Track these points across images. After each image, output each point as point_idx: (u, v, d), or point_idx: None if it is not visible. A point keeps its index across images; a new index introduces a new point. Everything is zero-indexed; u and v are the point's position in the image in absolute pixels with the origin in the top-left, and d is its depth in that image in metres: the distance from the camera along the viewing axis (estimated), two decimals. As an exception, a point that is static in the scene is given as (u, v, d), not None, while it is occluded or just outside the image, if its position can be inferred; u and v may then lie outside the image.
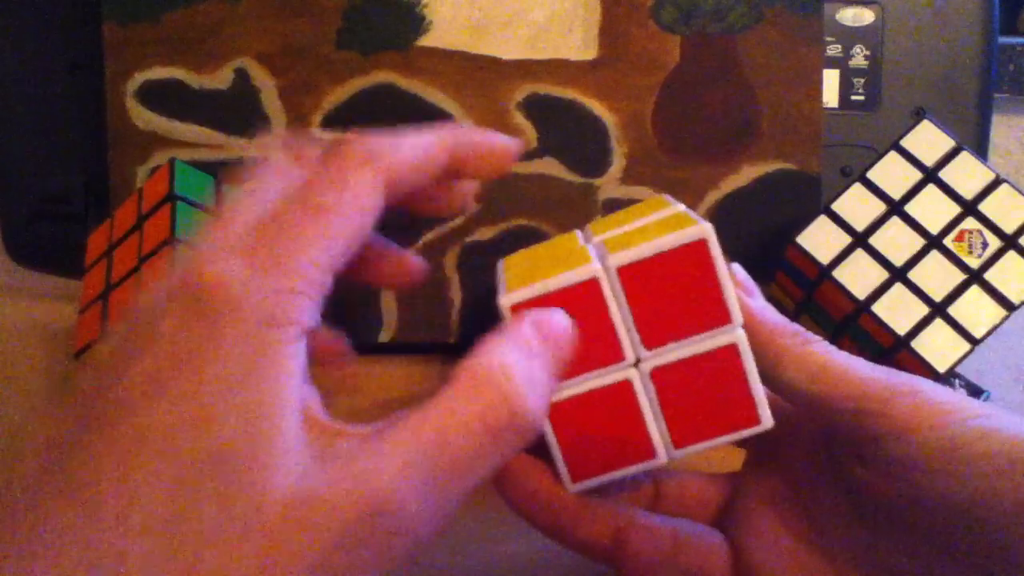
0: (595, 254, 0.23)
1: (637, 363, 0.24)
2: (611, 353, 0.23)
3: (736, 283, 0.26)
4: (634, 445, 0.24)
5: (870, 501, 0.24)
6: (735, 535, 0.28)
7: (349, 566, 0.17)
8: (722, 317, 0.23)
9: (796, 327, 0.25)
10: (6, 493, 0.18)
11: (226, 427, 0.17)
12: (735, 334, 0.23)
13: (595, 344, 0.23)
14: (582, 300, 0.23)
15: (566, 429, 0.24)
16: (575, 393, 0.24)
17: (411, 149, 0.22)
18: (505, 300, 0.23)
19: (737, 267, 0.27)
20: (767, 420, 0.24)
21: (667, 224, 0.23)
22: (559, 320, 0.23)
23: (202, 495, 0.16)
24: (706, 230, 0.22)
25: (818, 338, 0.25)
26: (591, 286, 0.22)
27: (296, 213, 0.20)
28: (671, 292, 0.23)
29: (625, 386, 0.24)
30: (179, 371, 0.17)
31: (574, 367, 0.23)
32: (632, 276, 0.23)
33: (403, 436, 0.19)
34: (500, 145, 0.25)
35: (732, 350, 0.23)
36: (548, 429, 0.24)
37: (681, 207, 0.25)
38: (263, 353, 0.18)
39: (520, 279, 0.24)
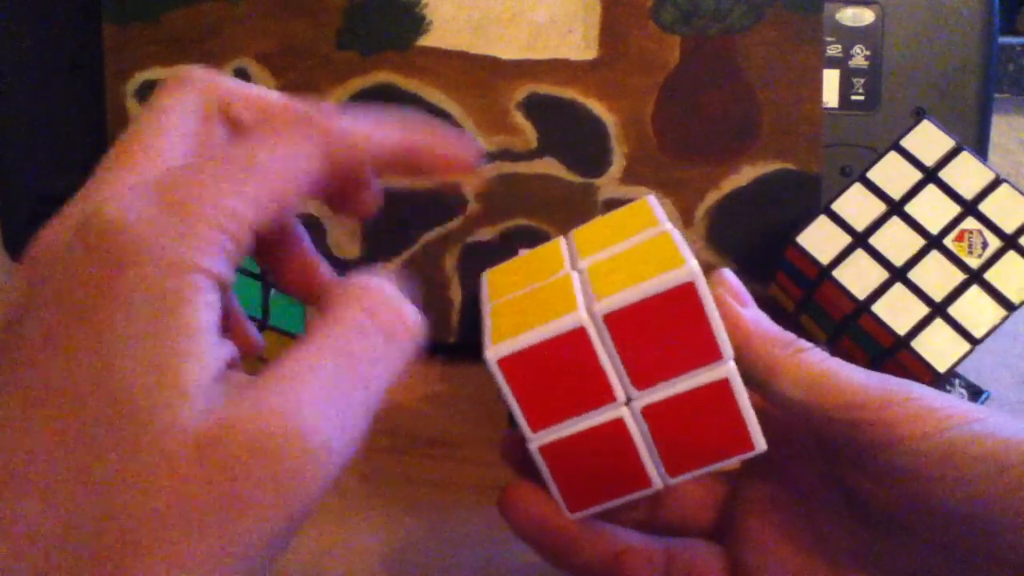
0: (580, 295, 0.23)
1: (629, 401, 0.24)
2: (602, 394, 0.23)
3: (728, 290, 0.25)
4: (629, 475, 0.24)
5: (868, 506, 0.24)
6: (733, 544, 0.28)
7: (266, 497, 0.16)
8: (712, 354, 0.23)
9: (789, 336, 0.25)
10: None
11: (128, 378, 0.16)
12: (726, 368, 0.23)
13: (585, 386, 0.23)
14: (570, 347, 0.22)
15: (561, 465, 0.24)
16: (569, 433, 0.24)
17: (365, 123, 0.21)
18: (491, 354, 0.23)
19: (728, 274, 0.26)
20: (760, 445, 0.24)
21: (653, 258, 0.23)
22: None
23: (105, 447, 0.16)
24: (694, 272, 0.22)
25: (811, 345, 0.25)
26: (578, 334, 0.22)
27: (221, 162, 0.19)
28: (660, 333, 0.22)
29: (618, 424, 0.24)
30: (79, 322, 0.17)
31: (566, 408, 0.23)
32: (619, 321, 0.22)
33: (304, 358, 0.18)
34: (461, 149, 0.23)
35: (723, 384, 0.23)
36: (543, 465, 0.25)
37: (666, 225, 0.24)
38: (169, 301, 0.17)
39: (503, 296, 0.24)
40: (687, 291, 0.22)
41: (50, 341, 0.17)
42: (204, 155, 0.20)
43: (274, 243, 0.23)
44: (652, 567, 0.27)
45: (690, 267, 0.22)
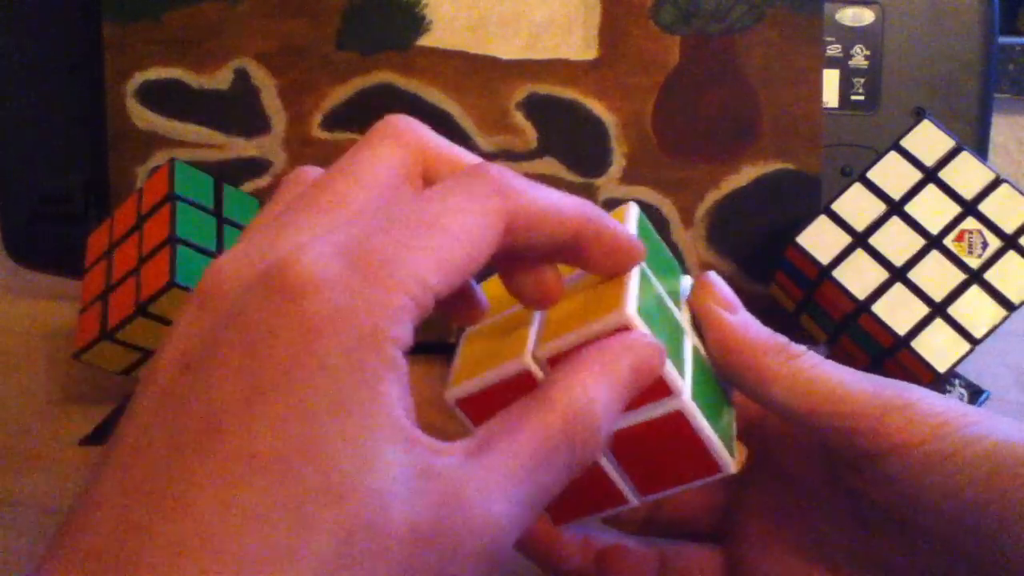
0: (532, 336, 0.23)
1: None
2: None
3: (714, 297, 0.25)
4: (605, 494, 0.25)
5: (868, 508, 0.24)
6: (732, 546, 0.28)
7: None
8: (662, 390, 0.22)
9: (780, 340, 0.25)
10: (86, 510, 0.16)
11: (336, 454, 0.15)
12: (679, 401, 0.22)
13: None
14: (521, 387, 0.22)
15: None
16: None
17: (546, 200, 0.20)
18: (450, 395, 0.23)
19: (714, 278, 0.25)
20: (727, 468, 0.24)
21: (603, 297, 0.22)
22: (654, 356, 0.21)
23: (321, 527, 0.15)
24: (628, 315, 0.21)
25: (803, 350, 0.24)
26: (525, 376, 0.22)
27: (409, 223, 0.18)
28: None
29: None
30: (280, 379, 0.16)
31: None
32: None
33: (502, 459, 0.18)
34: (630, 243, 0.22)
35: (678, 415, 0.23)
36: None
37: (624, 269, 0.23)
38: (369, 373, 0.16)
39: (483, 320, 0.25)
40: (623, 333, 0.21)
41: (250, 403, 0.16)
42: (392, 212, 0.18)
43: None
44: (645, 570, 0.27)
45: (626, 312, 0.21)
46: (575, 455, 0.19)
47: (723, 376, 0.25)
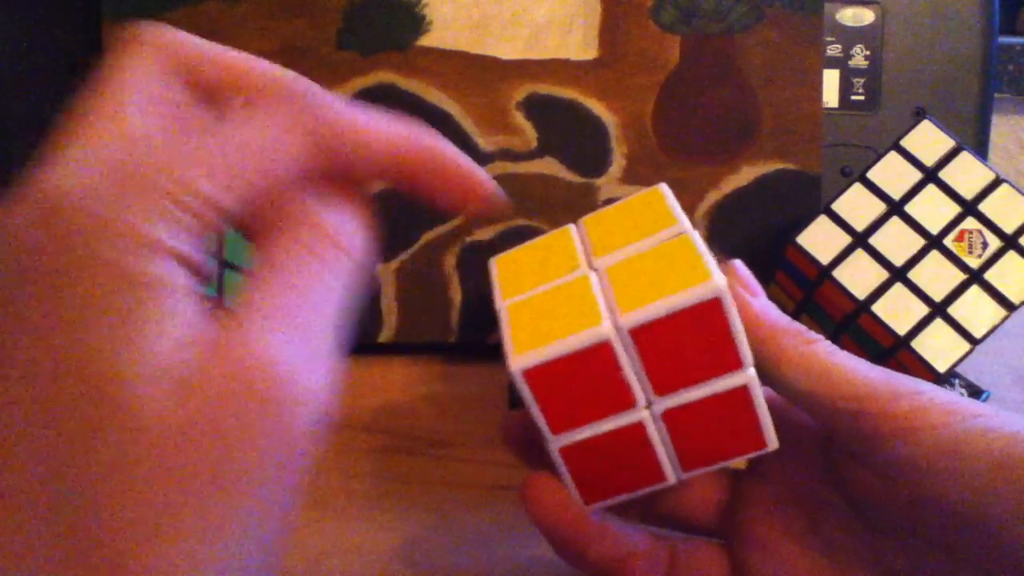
0: (603, 305, 0.23)
1: (649, 405, 0.24)
2: (623, 400, 0.23)
3: (738, 280, 0.26)
4: (645, 471, 0.25)
5: (870, 503, 0.25)
6: (735, 543, 0.28)
7: (256, 449, 0.16)
8: (734, 362, 0.23)
9: (798, 326, 0.25)
10: None
11: (98, 355, 0.15)
12: (746, 375, 0.23)
13: (607, 392, 0.23)
14: (594, 358, 0.22)
15: (579, 462, 0.25)
16: (590, 435, 0.24)
17: (363, 119, 0.19)
18: (516, 365, 0.22)
19: (739, 264, 0.27)
20: (773, 443, 0.24)
21: (676, 267, 0.23)
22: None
23: (82, 432, 0.15)
24: (720, 288, 0.22)
25: (820, 337, 0.25)
26: (603, 347, 0.22)
27: (189, 138, 0.18)
28: (683, 343, 0.23)
29: (638, 426, 0.24)
30: (45, 301, 0.16)
31: (588, 413, 0.24)
32: (644, 333, 0.22)
33: (257, 299, 0.17)
34: (473, 174, 0.21)
35: (743, 390, 0.23)
36: (561, 464, 0.25)
37: (684, 225, 0.24)
38: (131, 277, 0.16)
39: (515, 288, 0.24)
40: (713, 306, 0.22)
41: (19, 321, 0.16)
42: (173, 126, 0.18)
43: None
44: (656, 567, 0.27)
45: (716, 283, 0.22)
46: (332, 265, 0.18)
47: None
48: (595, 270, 0.25)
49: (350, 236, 0.19)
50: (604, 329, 0.22)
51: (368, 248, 0.20)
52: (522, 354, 0.23)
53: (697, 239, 0.24)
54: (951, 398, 0.23)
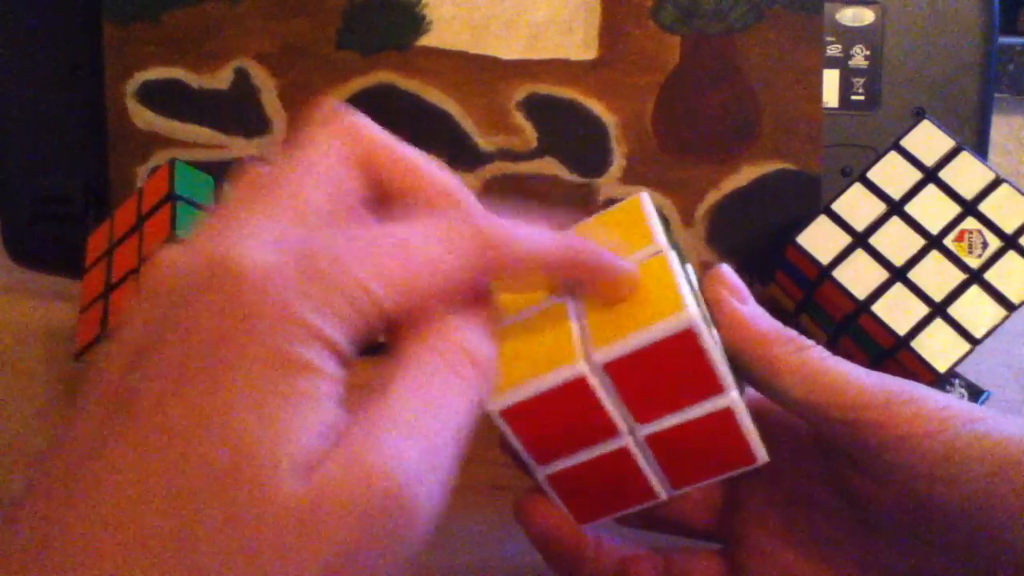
0: (578, 341, 0.22)
1: (632, 431, 0.24)
2: (605, 429, 0.23)
3: (726, 287, 0.25)
4: (634, 490, 0.25)
5: (869, 507, 0.24)
6: (732, 547, 0.28)
7: (368, 558, 0.16)
8: (714, 388, 0.22)
9: (790, 333, 0.25)
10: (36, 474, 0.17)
11: (242, 439, 0.16)
12: (728, 398, 0.23)
13: (589, 424, 0.23)
14: (572, 394, 0.22)
15: (569, 486, 0.25)
16: (575, 463, 0.24)
17: (527, 244, 0.20)
18: (494, 406, 0.22)
19: (727, 271, 0.26)
20: (762, 457, 0.24)
21: (651, 296, 0.22)
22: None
23: (211, 509, 0.16)
24: (692, 320, 0.21)
25: (812, 343, 0.25)
26: (579, 383, 0.22)
27: (372, 240, 0.18)
28: (660, 373, 0.22)
29: (622, 452, 0.24)
30: (205, 368, 0.16)
31: (571, 444, 0.24)
32: (619, 367, 0.22)
33: (393, 406, 0.18)
34: (621, 272, 0.22)
35: (726, 412, 0.23)
36: (551, 490, 0.25)
37: (660, 241, 0.24)
38: (292, 366, 0.17)
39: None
40: (687, 336, 0.21)
41: (178, 389, 0.16)
42: (351, 218, 0.19)
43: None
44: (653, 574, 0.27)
45: (688, 314, 0.21)
46: (467, 383, 0.19)
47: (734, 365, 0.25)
48: (574, 300, 0.24)
49: (486, 355, 0.20)
50: (579, 367, 0.22)
51: (495, 362, 0.21)
52: (499, 394, 0.22)
53: (672, 260, 0.23)
54: (947, 402, 0.23)
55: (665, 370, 0.22)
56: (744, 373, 0.25)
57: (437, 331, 0.19)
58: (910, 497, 0.23)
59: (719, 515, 0.29)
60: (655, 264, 0.23)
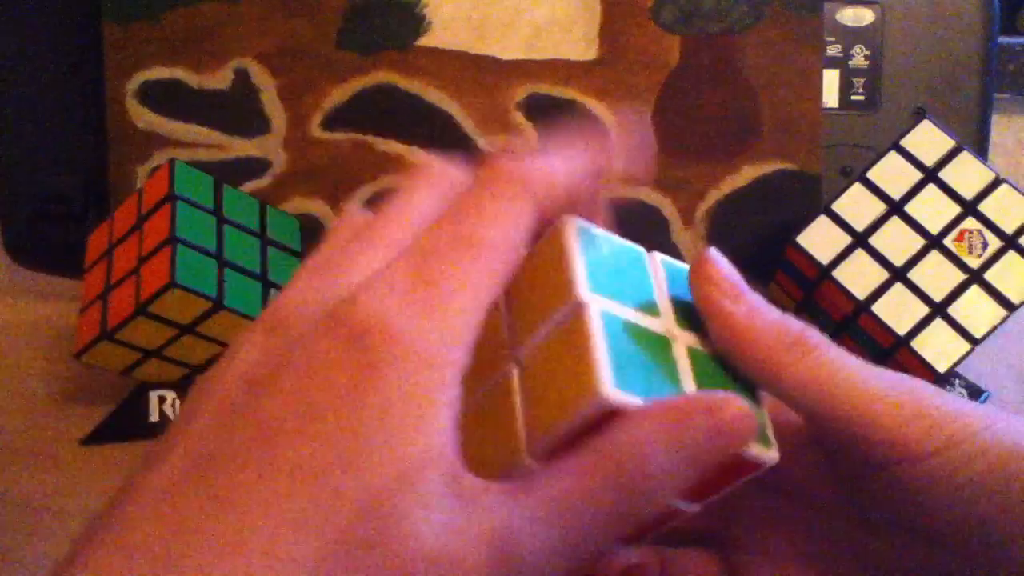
0: (521, 428, 0.20)
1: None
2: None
3: (715, 284, 0.23)
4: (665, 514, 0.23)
5: (873, 512, 0.24)
6: (731, 552, 0.28)
7: None
8: None
9: (793, 329, 0.23)
10: (140, 495, 0.17)
11: (380, 472, 0.16)
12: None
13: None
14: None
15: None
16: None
17: (565, 175, 0.21)
18: None
19: (715, 258, 0.23)
20: (773, 460, 0.22)
21: (569, 369, 0.19)
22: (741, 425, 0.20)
23: (352, 543, 0.16)
24: (607, 400, 0.19)
25: (818, 340, 0.23)
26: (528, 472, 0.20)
27: (450, 246, 0.19)
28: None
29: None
30: (336, 403, 0.17)
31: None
32: (553, 453, 0.20)
33: (535, 490, 0.18)
34: (639, 156, 0.23)
35: None
36: None
37: (579, 294, 0.20)
38: (424, 397, 0.17)
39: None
40: (610, 415, 0.19)
41: (305, 416, 0.17)
42: (435, 237, 0.20)
43: None
44: None
45: (599, 393, 0.18)
46: (623, 502, 0.19)
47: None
48: (517, 363, 0.21)
49: (660, 472, 0.20)
50: (524, 462, 0.20)
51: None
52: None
53: (591, 316, 0.20)
54: (955, 411, 0.22)
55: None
56: (747, 375, 0.24)
57: (618, 442, 0.19)
58: (917, 508, 0.22)
59: (712, 517, 0.29)
60: (573, 327, 0.20)
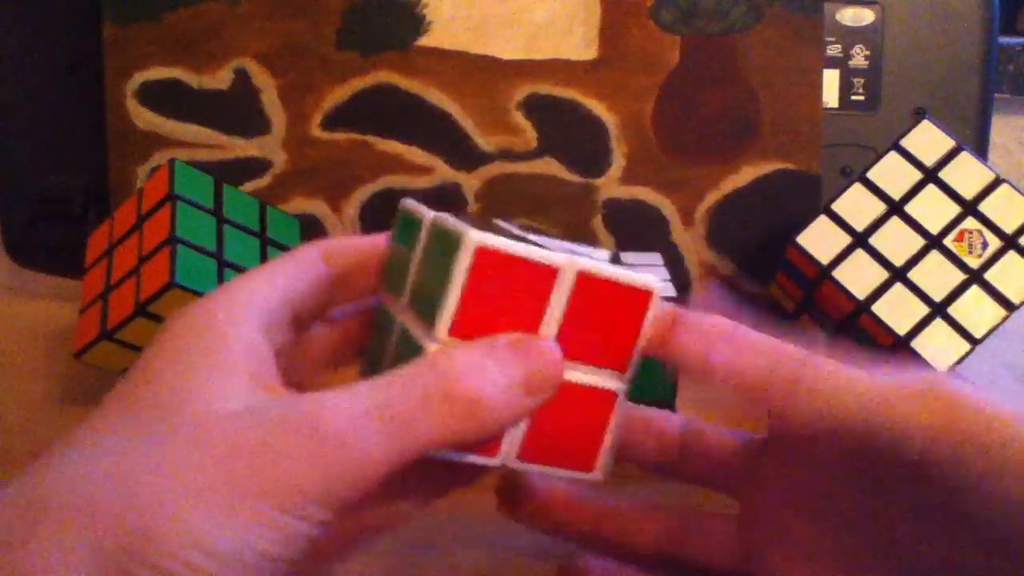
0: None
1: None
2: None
3: (704, 337, 0.23)
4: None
5: (905, 538, 0.24)
6: (751, 531, 0.27)
7: (294, 463, 0.19)
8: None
9: (787, 365, 0.23)
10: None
11: (187, 387, 0.20)
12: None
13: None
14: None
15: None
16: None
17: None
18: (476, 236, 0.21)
19: (699, 314, 0.24)
20: (597, 474, 0.24)
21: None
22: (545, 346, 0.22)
23: (159, 427, 0.20)
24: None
25: (804, 361, 0.23)
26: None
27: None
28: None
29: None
30: (158, 358, 0.22)
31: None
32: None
33: (354, 387, 0.20)
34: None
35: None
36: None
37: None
38: (219, 341, 0.22)
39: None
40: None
41: (144, 372, 0.22)
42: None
43: None
44: (668, 530, 0.28)
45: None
46: (455, 419, 0.20)
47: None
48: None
49: (493, 398, 0.22)
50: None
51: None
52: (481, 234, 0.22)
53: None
54: (984, 411, 0.22)
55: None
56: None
57: (455, 362, 0.21)
58: (952, 505, 0.22)
59: (741, 469, 0.28)
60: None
